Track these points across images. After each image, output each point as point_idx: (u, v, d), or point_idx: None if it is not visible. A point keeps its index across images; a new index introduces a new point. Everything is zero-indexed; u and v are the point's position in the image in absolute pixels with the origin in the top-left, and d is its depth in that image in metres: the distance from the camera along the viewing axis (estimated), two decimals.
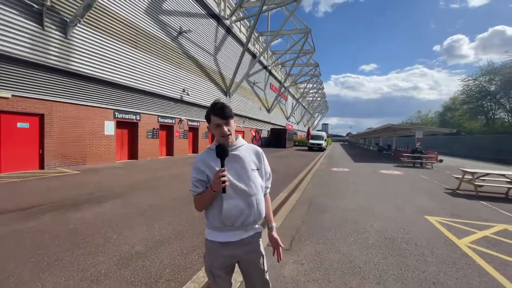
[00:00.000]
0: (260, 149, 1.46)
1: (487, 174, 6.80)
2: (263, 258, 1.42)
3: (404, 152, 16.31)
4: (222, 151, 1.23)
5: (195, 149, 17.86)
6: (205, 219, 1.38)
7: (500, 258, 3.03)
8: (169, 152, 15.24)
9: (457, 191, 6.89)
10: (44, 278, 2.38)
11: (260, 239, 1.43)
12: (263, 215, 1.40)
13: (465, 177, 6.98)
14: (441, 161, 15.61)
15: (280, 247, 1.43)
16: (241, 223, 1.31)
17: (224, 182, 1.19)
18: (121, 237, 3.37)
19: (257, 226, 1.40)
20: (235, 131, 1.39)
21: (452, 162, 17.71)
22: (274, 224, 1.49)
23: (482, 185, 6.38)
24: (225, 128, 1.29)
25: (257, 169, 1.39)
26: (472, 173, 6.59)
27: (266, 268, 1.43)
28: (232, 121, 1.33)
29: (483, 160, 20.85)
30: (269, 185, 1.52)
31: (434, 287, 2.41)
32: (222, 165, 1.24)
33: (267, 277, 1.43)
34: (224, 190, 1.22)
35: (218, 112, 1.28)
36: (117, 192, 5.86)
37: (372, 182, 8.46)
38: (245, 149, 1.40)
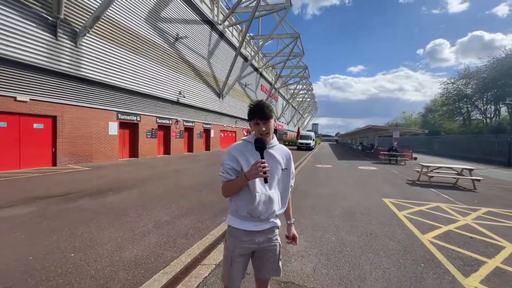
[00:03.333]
0: (289, 151, 1.56)
1: (439, 168, 8.26)
2: (279, 247, 1.52)
3: (381, 150, 17.93)
4: (262, 145, 1.31)
5: (190, 148, 18.83)
6: (230, 206, 1.47)
7: (422, 221, 4.35)
8: (166, 151, 16.17)
9: (416, 182, 8.32)
10: (108, 234, 3.46)
11: (278, 230, 1.54)
12: (284, 210, 1.52)
13: (423, 170, 8.42)
14: (415, 158, 17.29)
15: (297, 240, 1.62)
16: (267, 217, 1.40)
17: (265, 172, 1.24)
18: (149, 213, 4.46)
19: (277, 219, 1.51)
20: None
21: (426, 159, 19.46)
22: (293, 220, 1.65)
23: (433, 176, 7.81)
24: (263, 128, 1.37)
25: (286, 169, 1.48)
26: (427, 167, 8.02)
27: (281, 256, 1.54)
28: (271, 121, 1.40)
29: (456, 158, 22.84)
30: (293, 184, 1.58)
31: (371, 237, 3.65)
32: (262, 157, 1.30)
33: (280, 264, 1.53)
34: (266, 180, 1.29)
35: (259, 113, 1.36)
36: (131, 183, 6.89)
37: (349, 176, 9.81)
38: (277, 149, 1.48)
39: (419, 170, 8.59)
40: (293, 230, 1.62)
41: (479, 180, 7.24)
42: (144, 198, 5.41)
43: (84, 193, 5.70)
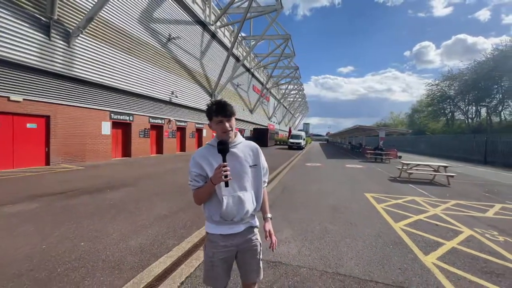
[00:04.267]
0: (257, 146, 1.52)
1: (417, 165, 8.90)
2: (260, 246, 1.49)
3: (368, 149, 18.69)
4: (224, 147, 1.29)
5: (182, 148, 18.99)
6: (204, 212, 1.45)
7: (397, 212, 4.86)
8: (159, 150, 16.30)
9: (397, 178, 8.93)
10: (112, 226, 3.76)
11: (257, 229, 1.50)
12: (259, 208, 1.48)
13: (403, 167, 9.03)
14: (400, 157, 18.12)
15: (274, 237, 1.47)
16: (240, 218, 1.37)
17: (226, 176, 1.23)
18: (149, 208, 4.77)
19: (254, 218, 1.48)
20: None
21: (411, 158, 20.38)
22: (269, 215, 1.53)
23: (412, 173, 8.44)
24: (227, 124, 1.34)
25: (255, 165, 1.45)
26: (407, 164, 8.64)
27: (261, 256, 1.51)
28: (233, 118, 1.38)
29: (440, 157, 23.97)
30: (266, 180, 1.55)
31: (351, 226, 4.11)
32: (224, 161, 1.28)
33: (261, 265, 1.52)
34: (227, 184, 1.28)
35: (221, 110, 1.33)
36: (128, 182, 7.12)
37: (336, 173, 10.34)
38: (243, 145, 1.45)
39: (400, 167, 9.21)
40: (269, 226, 1.50)
41: (452, 176, 7.89)
42: (142, 195, 5.70)
43: (83, 191, 5.92)
